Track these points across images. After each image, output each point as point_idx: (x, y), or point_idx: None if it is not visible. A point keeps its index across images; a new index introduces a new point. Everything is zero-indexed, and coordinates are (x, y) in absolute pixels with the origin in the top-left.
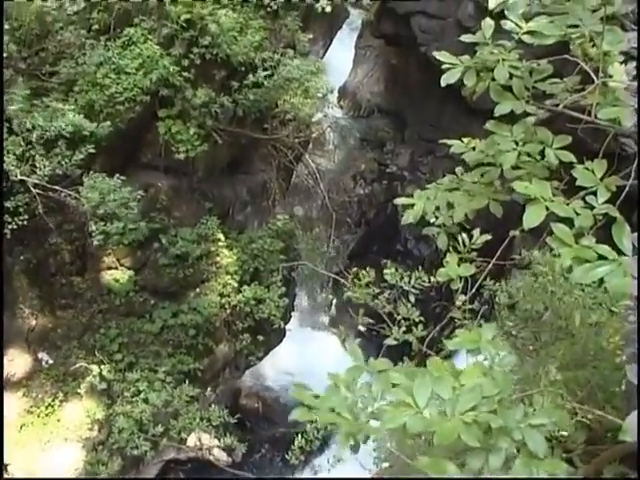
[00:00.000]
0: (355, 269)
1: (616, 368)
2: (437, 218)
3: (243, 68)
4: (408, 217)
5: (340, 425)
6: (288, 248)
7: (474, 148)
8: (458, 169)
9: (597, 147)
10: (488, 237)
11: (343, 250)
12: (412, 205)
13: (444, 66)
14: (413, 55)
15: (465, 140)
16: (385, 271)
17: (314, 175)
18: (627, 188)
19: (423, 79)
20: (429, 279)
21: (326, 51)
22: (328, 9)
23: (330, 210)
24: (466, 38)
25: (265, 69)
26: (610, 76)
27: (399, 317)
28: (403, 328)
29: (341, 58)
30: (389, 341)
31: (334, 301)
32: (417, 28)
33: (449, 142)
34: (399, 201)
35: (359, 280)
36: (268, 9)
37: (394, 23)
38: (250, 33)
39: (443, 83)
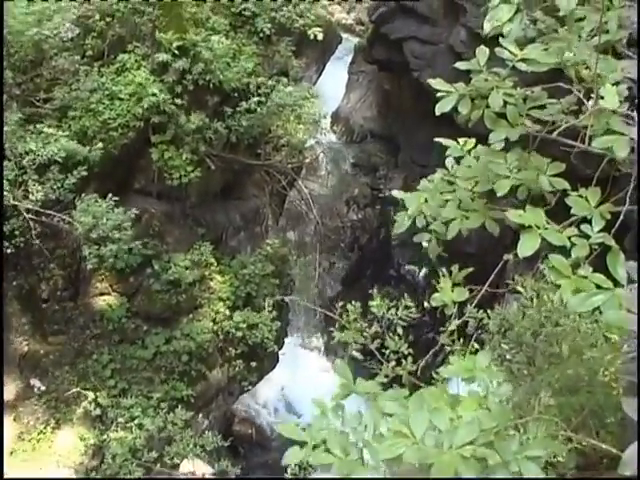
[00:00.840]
0: (342, 303)
1: (610, 394)
2: (428, 224)
3: (236, 94)
4: (400, 225)
5: (334, 464)
6: (281, 273)
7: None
8: (449, 161)
9: (591, 172)
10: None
11: (336, 275)
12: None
13: (439, 94)
14: (406, 80)
15: (461, 141)
16: (371, 303)
17: (307, 200)
18: (622, 216)
19: (416, 104)
20: (422, 304)
21: (319, 76)
22: (320, 36)
23: (323, 235)
24: (461, 65)
25: (258, 95)
26: (602, 97)
27: (388, 351)
28: (393, 362)
29: (334, 83)
30: (379, 378)
31: (327, 326)
32: (410, 54)
33: (444, 142)
34: (396, 193)
35: (347, 315)
36: (261, 35)
37: (387, 49)
38: (243, 59)
39: (437, 112)
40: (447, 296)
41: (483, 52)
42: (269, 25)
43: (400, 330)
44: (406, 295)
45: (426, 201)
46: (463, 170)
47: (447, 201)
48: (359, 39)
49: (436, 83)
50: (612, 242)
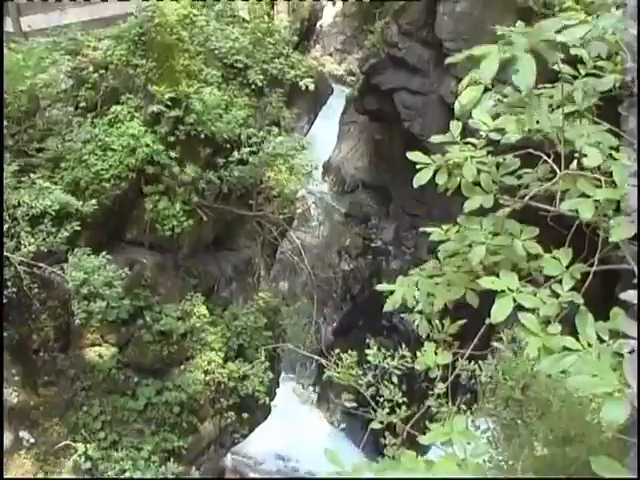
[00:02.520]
0: (338, 350)
1: (603, 443)
2: (418, 303)
3: (228, 145)
4: (389, 305)
5: None
6: (273, 324)
7: (450, 237)
8: (441, 253)
9: (566, 233)
10: (462, 322)
11: (328, 326)
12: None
13: (417, 166)
14: (397, 131)
15: (445, 227)
16: (367, 351)
17: (298, 251)
18: (590, 276)
19: (407, 154)
20: (415, 353)
21: (311, 127)
22: (312, 87)
23: (315, 285)
24: (435, 139)
25: (250, 146)
26: (585, 155)
27: (382, 399)
28: (386, 409)
29: (325, 133)
30: (374, 425)
31: (320, 377)
32: (400, 104)
33: (428, 230)
34: (380, 287)
35: (341, 362)
36: (253, 87)
37: (378, 99)
38: (235, 110)
39: (415, 184)
40: (430, 359)
41: (456, 125)
42: (261, 77)
43: (395, 379)
44: (399, 345)
45: (417, 287)
46: (446, 245)
47: (437, 284)
48: (350, 90)
49: (413, 156)
50: (580, 301)
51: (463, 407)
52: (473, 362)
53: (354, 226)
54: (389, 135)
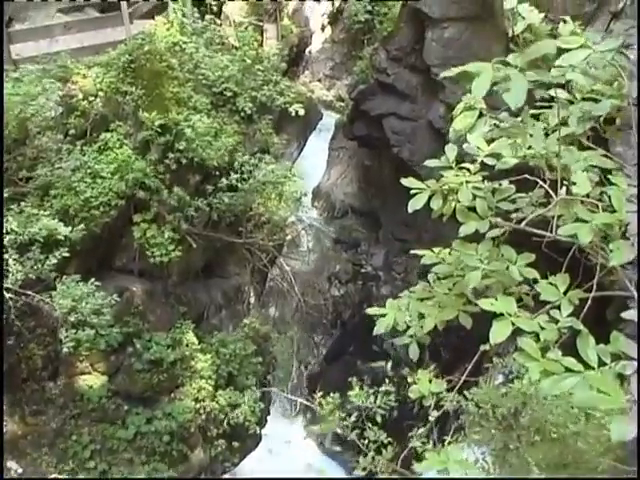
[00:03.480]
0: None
1: (596, 468)
2: (408, 327)
3: (218, 172)
4: (380, 327)
5: None
6: (263, 352)
7: (443, 258)
8: (431, 276)
9: (562, 259)
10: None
11: (319, 351)
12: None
13: (412, 191)
14: (386, 156)
15: (436, 250)
16: (350, 393)
17: (288, 278)
18: (589, 301)
19: (396, 179)
20: (406, 379)
21: (300, 152)
22: (301, 112)
23: (305, 311)
24: (430, 163)
25: (240, 173)
26: (574, 183)
27: (367, 441)
28: (371, 453)
29: (315, 159)
30: (358, 472)
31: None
32: (389, 130)
33: (419, 252)
34: (371, 311)
35: (322, 407)
36: (242, 114)
37: (367, 125)
38: (224, 137)
39: (410, 209)
40: (424, 388)
41: (451, 149)
42: (250, 104)
43: (379, 418)
44: (390, 371)
45: (407, 310)
46: (439, 268)
47: (428, 305)
48: (339, 115)
49: (408, 182)
50: (580, 326)
51: (450, 436)
52: (465, 389)
53: (344, 252)
54: (378, 161)
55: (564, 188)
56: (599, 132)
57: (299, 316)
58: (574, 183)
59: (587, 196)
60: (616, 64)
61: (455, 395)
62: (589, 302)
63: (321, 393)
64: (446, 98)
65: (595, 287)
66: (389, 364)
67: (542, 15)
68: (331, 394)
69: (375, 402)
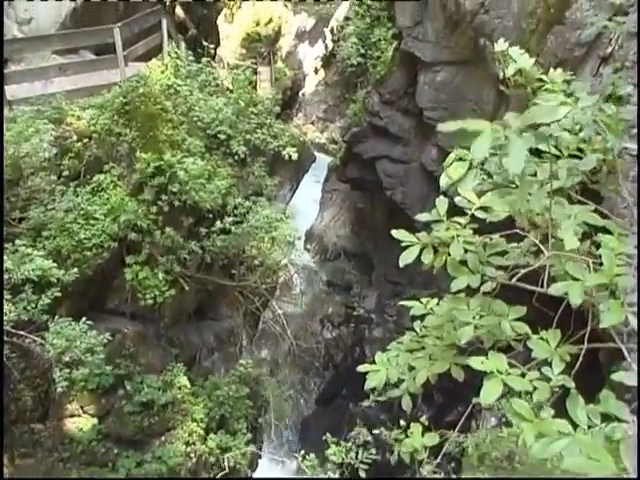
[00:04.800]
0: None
1: None
2: (400, 380)
3: (211, 215)
4: (371, 383)
5: None
6: (255, 394)
7: (432, 309)
8: (417, 324)
9: (553, 313)
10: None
11: (311, 394)
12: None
13: (403, 244)
14: (379, 199)
15: (424, 301)
16: (328, 452)
17: (281, 320)
18: (581, 357)
19: (389, 222)
20: (398, 421)
21: (293, 195)
22: (294, 156)
23: (297, 354)
24: (421, 217)
25: (234, 216)
26: (561, 240)
27: None
28: None
29: (308, 201)
30: None
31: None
32: (382, 172)
33: (408, 304)
34: (362, 368)
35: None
36: (236, 157)
37: (360, 168)
38: (218, 180)
39: (401, 264)
40: (417, 442)
41: (443, 202)
42: (244, 147)
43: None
44: (382, 414)
45: (397, 364)
46: (430, 319)
47: (418, 358)
48: (332, 158)
49: (399, 234)
50: (572, 384)
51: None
52: (458, 435)
53: (336, 294)
54: (371, 203)
55: (551, 243)
56: (587, 184)
57: (291, 359)
58: (561, 240)
59: (577, 250)
60: (598, 119)
61: (449, 444)
62: (581, 357)
63: (303, 452)
64: (438, 141)
65: (587, 336)
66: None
67: (533, 60)
68: (311, 455)
69: (357, 458)
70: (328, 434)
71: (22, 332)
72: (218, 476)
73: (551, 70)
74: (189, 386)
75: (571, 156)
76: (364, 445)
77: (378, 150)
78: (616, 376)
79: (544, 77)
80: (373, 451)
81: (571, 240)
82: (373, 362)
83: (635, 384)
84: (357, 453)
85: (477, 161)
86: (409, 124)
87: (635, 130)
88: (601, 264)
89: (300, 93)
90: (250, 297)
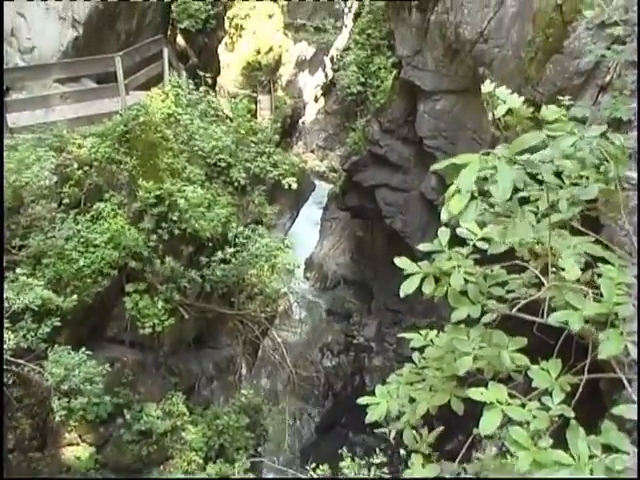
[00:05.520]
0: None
1: None
2: (402, 414)
3: (211, 243)
4: (372, 416)
5: None
6: (254, 423)
7: (432, 340)
8: (415, 355)
9: (553, 342)
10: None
11: (310, 423)
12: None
13: (404, 272)
14: (378, 227)
15: (423, 332)
16: (342, 464)
17: (280, 349)
18: (581, 388)
19: (388, 250)
20: (399, 453)
21: (293, 223)
22: (294, 185)
23: (297, 383)
24: (423, 247)
25: (234, 245)
26: (562, 269)
27: None
28: None
29: (307, 230)
30: None
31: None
32: (382, 201)
33: (407, 336)
34: (362, 401)
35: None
36: (236, 185)
37: (359, 196)
38: (218, 209)
39: (402, 294)
40: (418, 473)
41: (444, 233)
42: (243, 175)
43: None
44: (382, 444)
45: (397, 397)
46: (431, 351)
47: (418, 390)
48: (332, 186)
49: (401, 262)
50: (571, 414)
51: None
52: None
53: (336, 323)
54: (371, 231)
55: (551, 275)
56: (588, 213)
57: (291, 387)
58: (563, 269)
59: (577, 280)
60: (602, 149)
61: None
62: (581, 386)
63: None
64: (439, 170)
65: (588, 365)
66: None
67: (522, 98)
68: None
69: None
70: (344, 448)
71: (21, 360)
72: None
73: (543, 108)
74: (188, 415)
75: (573, 185)
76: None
77: (378, 178)
78: (617, 410)
79: (536, 114)
80: (386, 470)
81: (573, 270)
82: (373, 392)
83: (635, 417)
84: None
85: (477, 192)
86: (409, 152)
87: (634, 157)
88: (601, 294)
89: (300, 121)
90: (250, 325)
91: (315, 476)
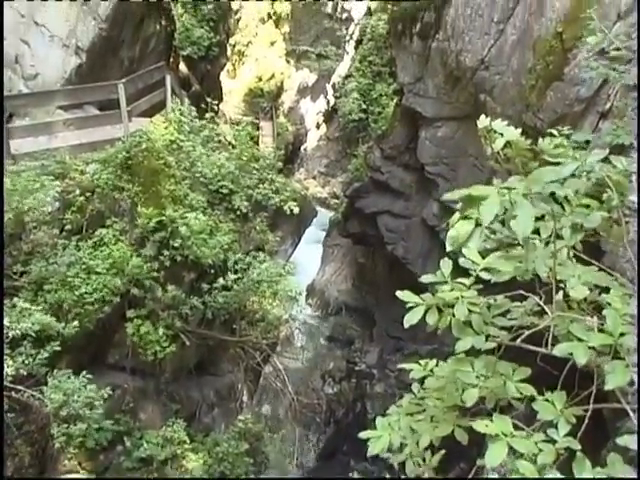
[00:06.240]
0: None
1: None
2: (404, 446)
3: (213, 270)
4: (374, 449)
5: None
6: (255, 450)
7: (432, 370)
8: (415, 386)
9: (557, 371)
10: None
11: (312, 450)
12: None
13: (407, 305)
14: (380, 253)
15: (423, 363)
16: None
17: (282, 376)
18: (586, 419)
19: (390, 277)
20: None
21: (294, 249)
22: (296, 210)
23: (298, 410)
24: (426, 279)
25: (235, 272)
26: (567, 297)
27: None
28: None
29: (309, 256)
30: None
31: None
32: (384, 227)
33: (407, 367)
34: (364, 435)
35: None
36: (238, 212)
37: (361, 222)
38: (220, 235)
39: (406, 325)
40: None
41: (447, 264)
42: (246, 202)
43: None
44: (384, 471)
45: (399, 429)
46: (432, 381)
47: (419, 420)
48: (334, 213)
49: (403, 295)
50: (578, 446)
51: None
52: None
53: (338, 349)
54: (372, 258)
55: (560, 292)
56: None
57: (292, 414)
58: (567, 296)
59: (582, 309)
60: (605, 174)
61: None
62: (587, 418)
63: None
64: (440, 196)
65: (593, 396)
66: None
67: (519, 130)
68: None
69: None
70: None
71: (20, 387)
72: None
73: (540, 140)
74: (189, 442)
75: (575, 212)
76: None
77: (379, 205)
78: (621, 440)
79: (534, 147)
80: None
81: (580, 290)
82: (375, 419)
83: None
84: None
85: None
86: (410, 179)
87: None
88: (603, 324)
89: (302, 148)
90: (251, 352)
91: None
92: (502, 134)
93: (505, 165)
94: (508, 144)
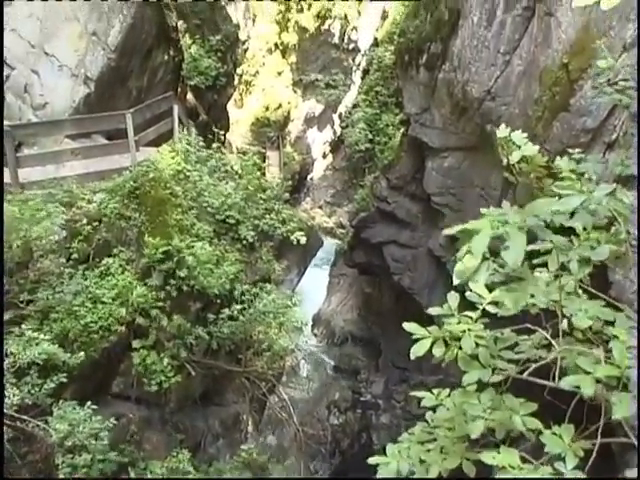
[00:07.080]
0: None
1: None
2: (413, 473)
3: (219, 300)
4: (382, 475)
5: None
6: None
7: (442, 400)
8: (429, 415)
9: (564, 405)
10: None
11: None
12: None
13: (414, 336)
14: (386, 283)
15: (435, 392)
16: None
17: (287, 406)
18: (594, 453)
19: (396, 307)
20: None
21: (300, 279)
22: (303, 240)
23: (303, 440)
24: (433, 311)
25: (241, 302)
26: (571, 331)
27: None
28: None
29: (315, 286)
30: None
31: None
32: (390, 257)
33: (418, 395)
34: (372, 460)
35: None
36: (244, 242)
37: (367, 252)
38: (226, 266)
39: (412, 356)
40: None
41: (454, 297)
42: (252, 232)
43: None
44: None
45: (409, 457)
46: (441, 414)
47: (429, 450)
48: (340, 242)
49: (410, 327)
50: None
51: None
52: None
53: (343, 379)
54: (378, 288)
55: (565, 322)
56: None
57: (297, 445)
58: (572, 330)
59: (588, 340)
60: (612, 208)
61: None
62: (595, 452)
63: None
64: (446, 227)
65: (601, 429)
66: None
67: (537, 146)
68: None
69: None
70: None
71: (25, 417)
72: None
73: (557, 158)
74: (194, 472)
75: (583, 245)
76: None
77: (386, 235)
78: (630, 473)
79: (550, 164)
80: None
81: (583, 320)
82: (380, 450)
83: None
84: None
85: (488, 252)
86: (417, 209)
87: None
88: (609, 355)
89: (308, 177)
90: (256, 382)
91: None
92: (520, 147)
93: (519, 178)
94: (524, 158)
